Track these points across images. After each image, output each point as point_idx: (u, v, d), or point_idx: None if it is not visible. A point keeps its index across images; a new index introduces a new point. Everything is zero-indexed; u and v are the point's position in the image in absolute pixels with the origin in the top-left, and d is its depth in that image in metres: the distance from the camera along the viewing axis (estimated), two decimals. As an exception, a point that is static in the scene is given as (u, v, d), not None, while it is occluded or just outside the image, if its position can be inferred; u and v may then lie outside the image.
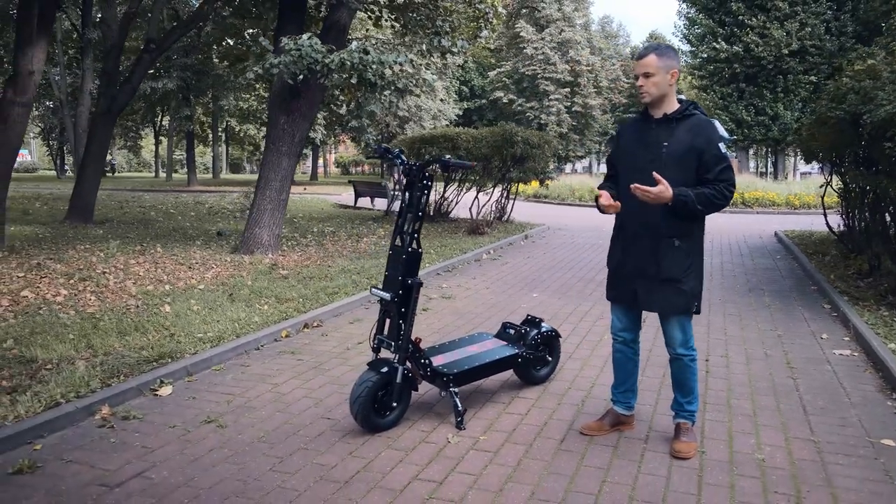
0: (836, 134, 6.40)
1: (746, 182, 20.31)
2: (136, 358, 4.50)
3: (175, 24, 13.94)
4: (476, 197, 13.13)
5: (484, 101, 47.26)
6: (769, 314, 6.17)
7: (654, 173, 3.03)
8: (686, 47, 38.86)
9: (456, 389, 3.63)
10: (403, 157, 3.63)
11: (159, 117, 39.33)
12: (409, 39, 9.19)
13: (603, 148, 56.34)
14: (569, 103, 43.10)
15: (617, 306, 3.48)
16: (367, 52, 7.86)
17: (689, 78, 42.44)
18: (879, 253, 7.48)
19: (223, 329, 5.29)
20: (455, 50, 9.62)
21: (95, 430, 3.58)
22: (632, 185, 3.05)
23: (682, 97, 3.30)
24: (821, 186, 10.04)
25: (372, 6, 10.11)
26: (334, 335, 5.52)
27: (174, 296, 6.38)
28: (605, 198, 3.18)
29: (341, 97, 9.58)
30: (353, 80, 8.62)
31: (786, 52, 32.57)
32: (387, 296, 3.46)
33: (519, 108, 43.15)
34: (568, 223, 15.35)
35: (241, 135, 45.54)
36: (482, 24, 14.18)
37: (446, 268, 8.72)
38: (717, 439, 3.45)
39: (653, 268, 3.20)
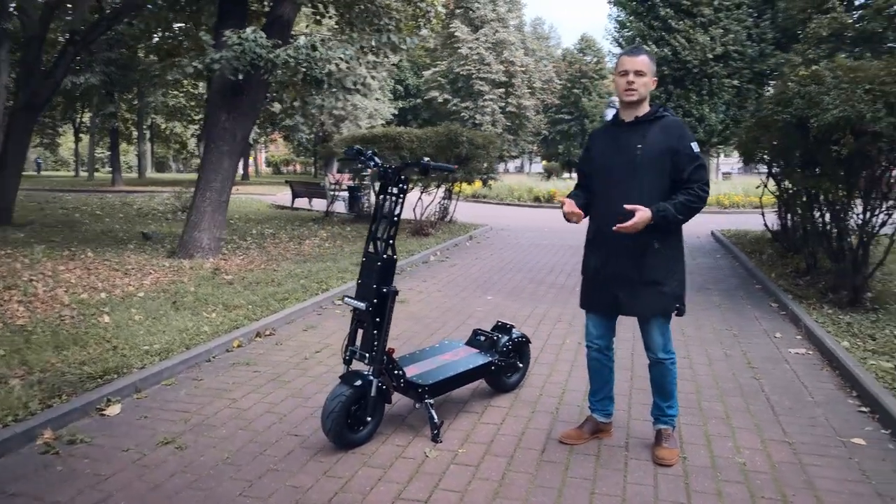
0: (782, 137, 6.58)
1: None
2: (78, 375, 4.16)
3: (98, 15, 13.20)
4: (420, 197, 12.97)
5: (419, 100, 47.17)
6: (721, 314, 6.28)
7: (625, 206, 3.02)
8: (616, 49, 39.86)
9: (431, 401, 3.49)
10: (377, 160, 3.47)
11: (80, 114, 37.40)
12: (357, 36, 8.97)
13: (535, 148, 57.13)
14: (503, 103, 43.52)
15: (593, 314, 3.42)
16: (314, 48, 7.61)
17: (620, 80, 43.49)
18: (815, 252, 7.76)
19: (170, 340, 4.98)
20: (404, 46, 9.47)
21: (39, 457, 3.28)
22: (613, 228, 3.05)
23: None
24: (757, 187, 10.38)
25: (317, 2, 9.83)
26: (289, 344, 5.29)
27: (112, 305, 6.00)
28: (569, 205, 3.15)
29: (284, 95, 9.28)
30: (299, 78, 8.36)
31: (710, 56, 33.76)
32: (361, 305, 3.29)
33: (454, 107, 43.26)
34: (509, 223, 15.40)
35: (168, 133, 43.93)
36: (422, 23, 14.06)
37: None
38: (696, 444, 3.43)
39: (634, 271, 3.16)
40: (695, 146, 3.07)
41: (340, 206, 16.27)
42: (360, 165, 3.49)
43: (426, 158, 3.18)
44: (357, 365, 3.51)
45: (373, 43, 9.10)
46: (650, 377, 3.36)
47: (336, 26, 11.96)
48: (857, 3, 30.84)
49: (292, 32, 10.04)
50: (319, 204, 17.90)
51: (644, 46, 3.69)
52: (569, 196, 3.32)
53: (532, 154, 62.61)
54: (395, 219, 3.33)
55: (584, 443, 3.44)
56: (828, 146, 5.91)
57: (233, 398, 4.11)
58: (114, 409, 3.86)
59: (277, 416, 3.83)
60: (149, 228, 11.86)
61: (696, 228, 13.74)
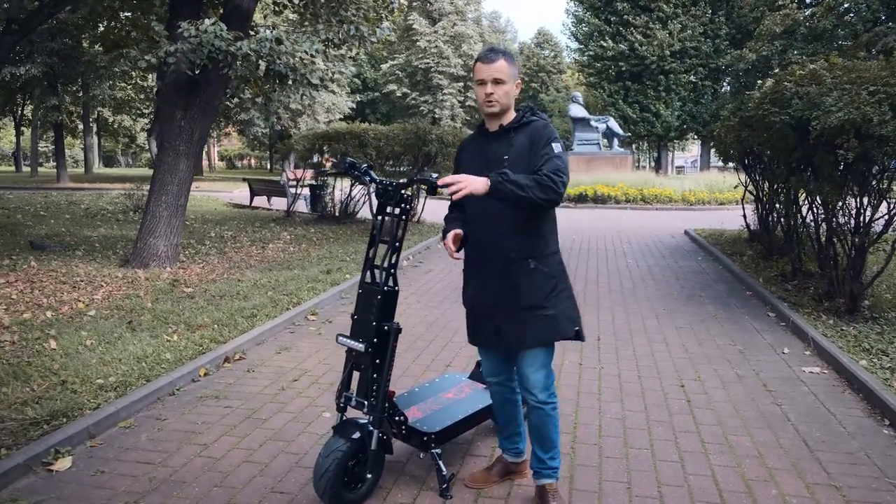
0: (779, 138, 6.30)
1: (644, 179, 20.80)
2: (20, 420, 3.60)
3: (38, 3, 12.29)
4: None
5: (377, 93, 46.42)
6: (719, 325, 5.97)
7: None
8: (574, 44, 39.89)
9: (438, 450, 3.05)
10: (373, 174, 3.00)
11: (21, 106, 35.58)
12: (323, 28, 8.41)
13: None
14: (462, 97, 43.10)
15: (483, 350, 3.03)
16: (279, 42, 7.04)
17: (578, 75, 43.61)
18: (800, 255, 7.55)
19: (128, 370, 4.42)
20: (374, 39, 8.96)
21: (-29, 533, 2.73)
22: (438, 183, 2.63)
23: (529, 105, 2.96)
24: (735, 187, 10.20)
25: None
26: (262, 371, 4.77)
27: (59, 326, 5.38)
28: (450, 248, 2.77)
29: (247, 90, 8.67)
30: (261, 72, 7.79)
31: (668, 52, 33.90)
32: (360, 346, 2.82)
33: (412, 101, 42.69)
34: (478, 222, 14.98)
35: (115, 126, 42.29)
36: (384, 15, 13.54)
37: (369, 278, 8.04)
38: (736, 492, 3.06)
39: (512, 296, 2.75)
40: (556, 146, 2.67)
41: (301, 205, 15.65)
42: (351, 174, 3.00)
43: (434, 175, 2.72)
44: (352, 412, 3.04)
45: (340, 35, 8.54)
46: (529, 424, 2.92)
47: (293, 17, 11.35)
48: (808, 0, 31.41)
49: (254, 24, 9.42)
50: (278, 202, 17.23)
51: (501, 50, 3.04)
52: (447, 220, 2.94)
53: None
54: (398, 244, 2.86)
55: (492, 485, 3.11)
56: (828, 149, 5.66)
57: (203, 443, 3.59)
58: (64, 463, 3.31)
59: (257, 466, 3.33)
60: (42, 238, 10.27)
61: (668, 226, 13.58)
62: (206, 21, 6.82)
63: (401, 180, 2.84)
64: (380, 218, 2.93)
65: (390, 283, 2.87)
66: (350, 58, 37.85)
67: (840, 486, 3.11)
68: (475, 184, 2.50)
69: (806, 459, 3.39)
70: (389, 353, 2.87)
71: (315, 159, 14.90)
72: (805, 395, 4.26)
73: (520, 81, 2.79)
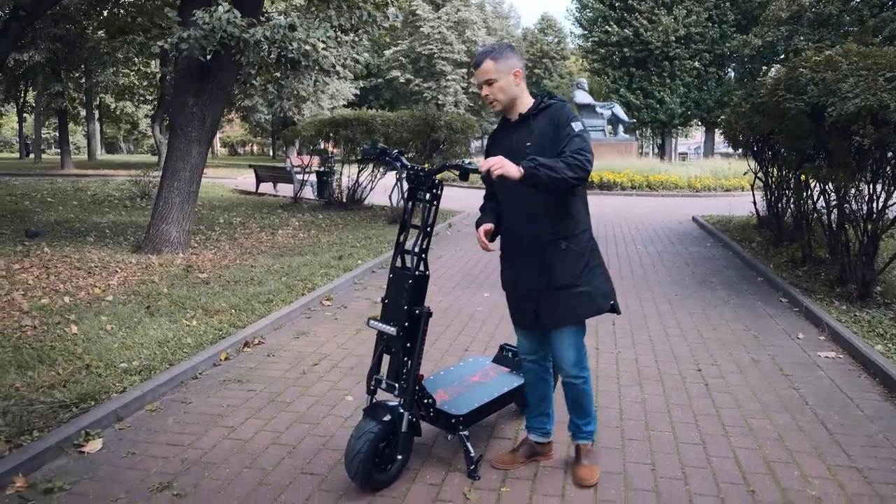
0: (795, 125, 6.30)
1: (649, 165, 20.78)
2: (49, 403, 3.64)
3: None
4: (396, 183, 12.47)
5: (380, 80, 46.23)
6: (732, 311, 6.01)
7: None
8: (578, 30, 39.75)
9: (466, 432, 3.09)
10: (404, 160, 3.03)
11: (23, 92, 35.46)
12: (335, 14, 8.38)
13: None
14: (466, 84, 42.94)
15: (520, 329, 3.13)
16: (293, 28, 7.03)
17: (582, 61, 43.44)
18: (810, 241, 7.58)
19: (150, 354, 4.46)
20: (386, 25, 8.94)
21: (11, 513, 2.78)
22: (481, 170, 2.63)
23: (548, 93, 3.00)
24: (745, 174, 10.21)
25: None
26: (282, 355, 4.82)
27: (78, 311, 5.42)
28: (483, 241, 2.86)
29: (258, 77, 8.67)
30: (272, 58, 7.78)
31: (673, 38, 33.71)
32: (391, 330, 2.86)
33: (416, 87, 42.53)
34: (485, 209, 14.99)
35: (118, 113, 42.15)
36: (390, 1, 13.50)
37: (380, 265, 8.09)
38: (759, 473, 3.11)
39: (545, 280, 2.85)
40: (576, 126, 2.71)
41: (308, 192, 15.66)
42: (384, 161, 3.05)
43: (468, 160, 2.75)
44: (381, 395, 3.08)
45: (352, 21, 8.53)
46: (565, 396, 3.09)
47: (299, 2, 11.32)
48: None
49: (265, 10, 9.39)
50: (284, 188, 17.25)
51: (496, 43, 3.12)
52: (481, 208, 3.07)
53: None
54: (428, 229, 2.90)
55: (519, 466, 3.16)
56: (843, 135, 5.66)
57: (230, 426, 3.64)
58: (94, 445, 3.36)
59: (285, 448, 3.38)
60: (52, 225, 10.50)
61: (675, 212, 13.59)
62: (220, 8, 6.81)
63: (433, 166, 2.87)
64: (410, 203, 2.96)
65: (421, 267, 2.91)
66: (358, 43, 37.67)
67: (861, 468, 3.15)
68: (509, 167, 2.55)
69: (826, 442, 3.43)
70: (420, 336, 2.91)
71: (321, 145, 14.92)
72: (821, 380, 4.31)
73: (519, 69, 2.80)
